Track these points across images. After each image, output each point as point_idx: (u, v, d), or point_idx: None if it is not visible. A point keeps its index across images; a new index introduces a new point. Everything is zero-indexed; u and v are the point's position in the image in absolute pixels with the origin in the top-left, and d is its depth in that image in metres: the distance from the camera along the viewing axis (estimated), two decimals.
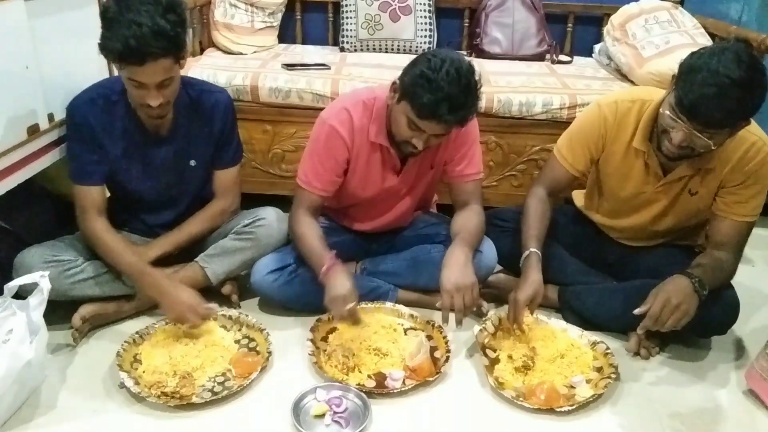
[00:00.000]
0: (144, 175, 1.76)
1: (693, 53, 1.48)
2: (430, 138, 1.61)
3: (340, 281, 1.62)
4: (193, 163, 1.80)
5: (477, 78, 1.55)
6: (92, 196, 1.70)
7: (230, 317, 1.77)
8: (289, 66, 2.44)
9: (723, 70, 1.38)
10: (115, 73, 2.03)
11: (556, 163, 1.81)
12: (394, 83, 1.60)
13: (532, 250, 1.72)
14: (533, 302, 1.67)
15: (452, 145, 1.80)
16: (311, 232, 1.74)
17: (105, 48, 1.47)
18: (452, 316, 1.63)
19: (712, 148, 1.50)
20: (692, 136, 1.48)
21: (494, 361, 1.66)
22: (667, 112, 1.50)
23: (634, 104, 1.67)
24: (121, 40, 1.42)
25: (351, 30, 2.87)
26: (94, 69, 1.95)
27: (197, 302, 1.66)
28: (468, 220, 1.79)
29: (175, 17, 1.48)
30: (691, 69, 1.44)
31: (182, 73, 1.64)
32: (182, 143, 1.76)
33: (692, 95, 1.42)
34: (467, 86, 1.51)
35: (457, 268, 1.64)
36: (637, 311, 1.57)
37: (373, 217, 1.92)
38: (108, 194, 1.88)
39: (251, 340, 1.71)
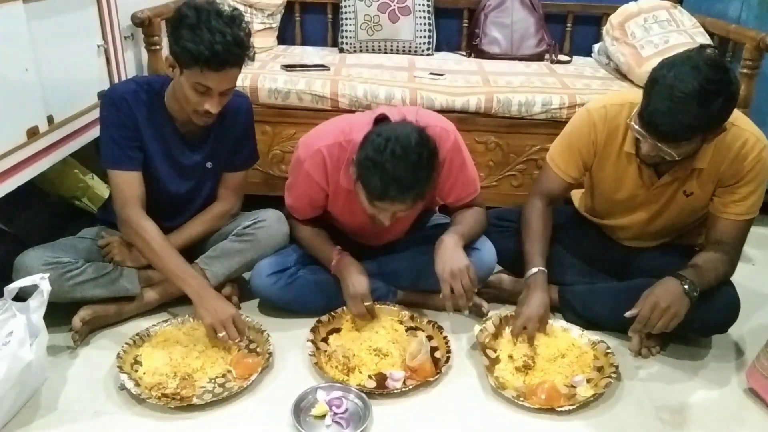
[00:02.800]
0: (171, 177, 1.77)
1: (661, 62, 1.46)
2: (395, 214, 1.58)
3: (356, 278, 1.73)
4: (209, 165, 1.81)
5: (430, 149, 1.49)
6: (132, 184, 1.68)
7: None
8: (289, 67, 2.45)
9: (678, 84, 1.37)
10: (115, 75, 2.04)
11: (550, 171, 1.81)
12: (352, 160, 1.56)
13: (540, 268, 1.72)
14: (542, 322, 1.69)
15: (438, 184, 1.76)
16: (311, 232, 1.84)
17: (187, 51, 1.50)
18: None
19: (677, 158, 1.51)
20: (657, 148, 1.49)
21: (495, 361, 1.66)
22: (633, 123, 1.51)
23: (623, 107, 1.66)
24: (207, 46, 1.48)
25: (350, 31, 2.87)
26: (94, 71, 1.95)
27: (237, 314, 1.65)
28: (466, 215, 1.81)
29: (246, 30, 1.58)
30: (651, 81, 1.44)
31: None
32: (208, 147, 1.79)
33: (648, 110, 1.43)
34: (416, 164, 1.46)
35: (447, 256, 1.65)
36: (627, 314, 1.58)
37: (368, 239, 1.92)
38: (105, 196, 1.88)
39: (251, 341, 1.71)
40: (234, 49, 1.52)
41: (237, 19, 1.55)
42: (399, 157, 1.44)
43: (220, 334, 1.61)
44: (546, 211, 1.81)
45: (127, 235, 1.72)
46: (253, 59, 1.63)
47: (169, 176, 1.77)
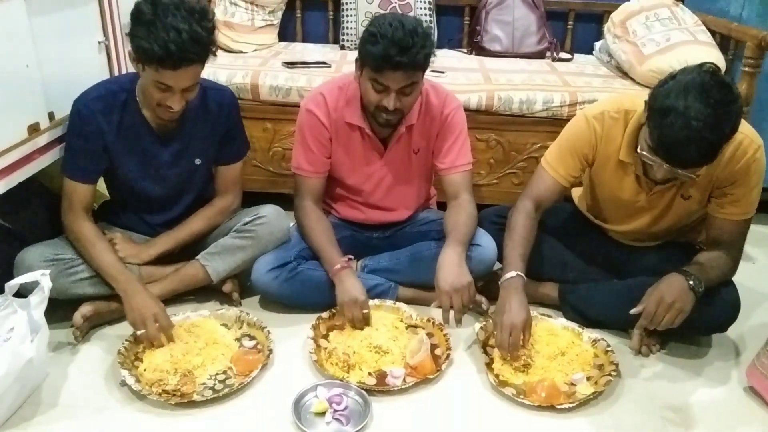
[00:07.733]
0: (150, 174, 1.76)
1: (661, 85, 1.44)
2: (399, 97, 1.64)
3: (352, 284, 1.71)
4: (198, 161, 1.81)
5: (424, 27, 1.61)
6: (82, 193, 1.71)
7: (231, 315, 1.77)
8: (290, 64, 2.45)
9: (692, 113, 1.35)
10: (116, 71, 2.04)
11: (546, 174, 1.77)
12: (356, 59, 1.67)
13: (517, 272, 1.66)
14: (527, 326, 1.61)
15: (438, 137, 1.84)
16: (320, 226, 1.84)
17: (141, 50, 1.47)
18: (452, 316, 1.64)
19: (696, 179, 1.51)
20: (674, 172, 1.48)
21: (494, 359, 1.65)
22: (645, 153, 1.50)
23: (619, 114, 1.65)
24: (161, 44, 1.44)
25: (351, 28, 2.87)
26: (95, 67, 1.95)
27: (160, 312, 1.63)
28: (459, 215, 1.80)
29: (208, 24, 1.53)
30: (661, 112, 1.41)
31: None
32: (187, 142, 1.77)
33: (666, 141, 1.41)
34: (413, 31, 1.56)
35: (451, 269, 1.64)
36: (632, 311, 1.58)
37: (371, 205, 1.94)
38: (108, 195, 1.89)
39: (252, 338, 1.71)
40: (190, 47, 1.46)
41: (199, 13, 1.50)
42: (396, 26, 1.56)
43: (139, 332, 1.61)
44: (533, 215, 1.76)
45: (68, 235, 1.73)
46: (215, 54, 1.59)
47: (146, 173, 1.76)
